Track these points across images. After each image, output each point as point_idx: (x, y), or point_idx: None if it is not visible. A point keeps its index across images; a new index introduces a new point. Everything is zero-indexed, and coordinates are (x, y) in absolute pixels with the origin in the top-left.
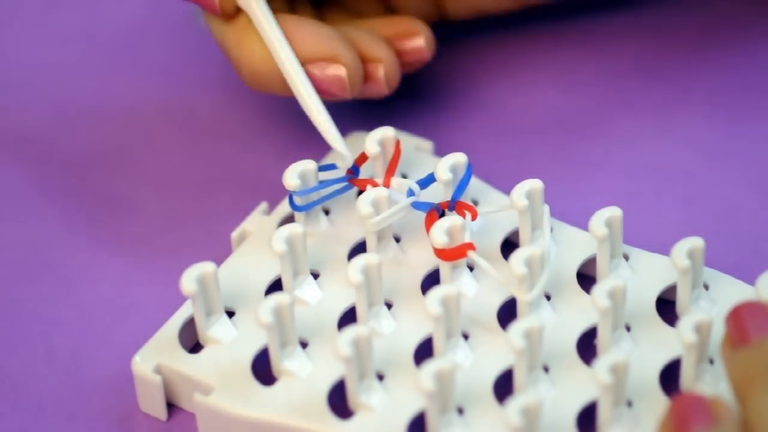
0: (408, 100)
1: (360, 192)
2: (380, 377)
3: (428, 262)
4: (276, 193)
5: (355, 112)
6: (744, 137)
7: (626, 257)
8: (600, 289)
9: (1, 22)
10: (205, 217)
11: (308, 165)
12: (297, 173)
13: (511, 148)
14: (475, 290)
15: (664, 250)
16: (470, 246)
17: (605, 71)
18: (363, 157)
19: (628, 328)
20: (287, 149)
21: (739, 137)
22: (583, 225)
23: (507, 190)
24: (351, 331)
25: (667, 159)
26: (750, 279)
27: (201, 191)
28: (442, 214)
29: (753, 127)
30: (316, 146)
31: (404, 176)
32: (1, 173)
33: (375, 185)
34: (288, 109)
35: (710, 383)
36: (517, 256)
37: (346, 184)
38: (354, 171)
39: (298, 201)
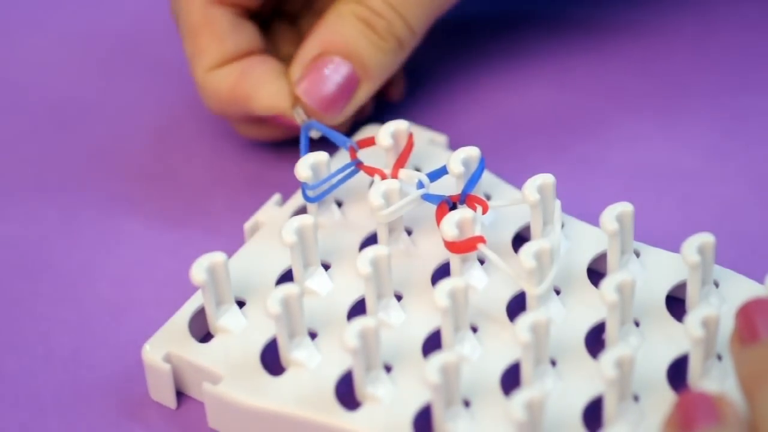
0: (426, 96)
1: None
2: (388, 369)
3: (439, 254)
4: (277, 190)
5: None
6: (744, 137)
7: (637, 254)
8: (608, 282)
9: (1, 22)
10: (204, 216)
11: (320, 156)
12: (309, 165)
13: (522, 144)
14: (485, 283)
15: (665, 249)
16: (480, 239)
17: (605, 71)
18: (365, 142)
19: (637, 324)
20: (287, 149)
21: (739, 137)
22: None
23: (520, 185)
24: (358, 322)
25: (667, 159)
26: (750, 278)
27: (200, 190)
28: (453, 207)
29: (753, 127)
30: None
31: (418, 169)
32: (1, 173)
33: (383, 175)
34: None
35: (717, 379)
36: (526, 249)
37: (353, 168)
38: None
39: (310, 192)
